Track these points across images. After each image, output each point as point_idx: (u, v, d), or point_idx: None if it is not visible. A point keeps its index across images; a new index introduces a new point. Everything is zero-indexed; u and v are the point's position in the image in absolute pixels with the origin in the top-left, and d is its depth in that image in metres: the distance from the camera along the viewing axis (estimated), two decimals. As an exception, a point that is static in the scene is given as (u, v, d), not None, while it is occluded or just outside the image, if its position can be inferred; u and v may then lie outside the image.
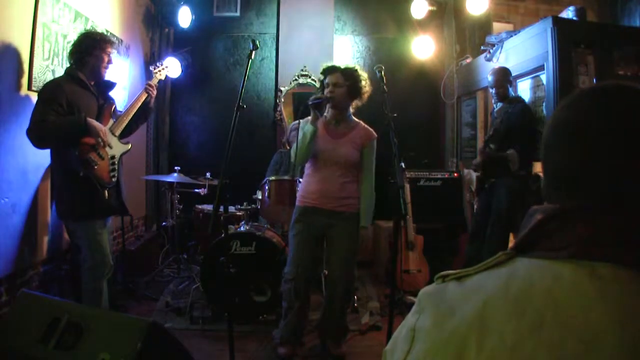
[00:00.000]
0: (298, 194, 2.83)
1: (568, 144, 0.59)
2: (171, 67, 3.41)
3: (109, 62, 2.73)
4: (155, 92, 3.03)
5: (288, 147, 4.02)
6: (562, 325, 0.47)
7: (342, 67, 2.72)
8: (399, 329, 0.63)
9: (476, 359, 0.49)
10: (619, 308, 0.46)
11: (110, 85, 2.90)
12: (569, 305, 0.48)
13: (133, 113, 2.88)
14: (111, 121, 2.77)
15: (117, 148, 2.75)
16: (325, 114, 2.80)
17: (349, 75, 2.69)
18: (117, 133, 2.77)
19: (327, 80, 2.71)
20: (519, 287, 0.52)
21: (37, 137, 2.48)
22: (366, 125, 2.81)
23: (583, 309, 0.47)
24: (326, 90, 2.69)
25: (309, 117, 2.79)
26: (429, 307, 0.58)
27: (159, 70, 3.21)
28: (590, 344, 0.45)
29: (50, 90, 2.54)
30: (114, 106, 2.84)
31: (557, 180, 0.60)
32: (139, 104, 2.92)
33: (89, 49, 2.64)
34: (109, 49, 2.71)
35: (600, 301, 0.47)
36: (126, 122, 2.83)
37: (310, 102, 2.62)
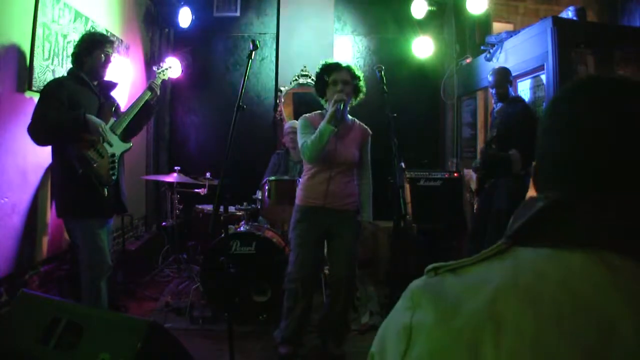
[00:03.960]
0: (298, 194, 2.81)
1: (571, 130, 0.57)
2: (172, 68, 3.40)
3: (108, 62, 2.74)
4: (158, 91, 3.03)
5: (285, 147, 4.02)
6: (581, 315, 0.46)
7: (345, 64, 2.72)
8: (383, 328, 0.58)
9: (495, 355, 0.47)
10: (633, 297, 0.46)
11: (112, 85, 2.91)
12: (585, 295, 0.47)
13: (135, 112, 2.87)
14: (112, 120, 2.77)
15: (117, 146, 2.75)
16: (324, 112, 2.78)
17: (354, 73, 2.71)
18: (118, 132, 2.77)
19: (334, 77, 2.67)
20: (530, 278, 0.50)
21: (38, 133, 2.50)
22: (360, 122, 2.84)
23: (599, 299, 0.47)
24: (335, 88, 2.64)
25: (307, 115, 2.80)
26: (427, 303, 0.54)
27: (162, 71, 3.20)
28: (610, 334, 0.45)
29: (51, 88, 2.56)
30: (115, 105, 2.85)
31: (557, 168, 0.58)
32: (142, 102, 2.91)
33: (88, 50, 2.66)
34: (108, 50, 2.71)
35: (614, 290, 0.47)
36: (127, 120, 2.83)
37: (341, 107, 2.56)
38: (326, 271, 3.40)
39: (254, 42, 2.39)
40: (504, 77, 3.50)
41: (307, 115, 2.82)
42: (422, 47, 4.94)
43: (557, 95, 0.62)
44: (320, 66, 2.76)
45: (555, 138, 0.60)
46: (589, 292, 0.47)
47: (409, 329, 0.53)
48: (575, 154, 0.56)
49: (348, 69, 2.70)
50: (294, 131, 3.65)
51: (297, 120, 3.46)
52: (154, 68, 3.26)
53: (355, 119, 2.84)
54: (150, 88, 2.98)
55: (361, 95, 2.77)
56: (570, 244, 0.51)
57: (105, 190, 2.64)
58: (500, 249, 0.55)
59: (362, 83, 2.74)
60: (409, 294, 0.57)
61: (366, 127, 2.83)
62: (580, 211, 0.52)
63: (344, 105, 2.59)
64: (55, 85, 2.57)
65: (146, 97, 2.94)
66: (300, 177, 3.19)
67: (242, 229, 3.42)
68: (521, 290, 0.49)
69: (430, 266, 0.58)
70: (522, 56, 3.69)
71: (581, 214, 0.52)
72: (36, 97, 2.68)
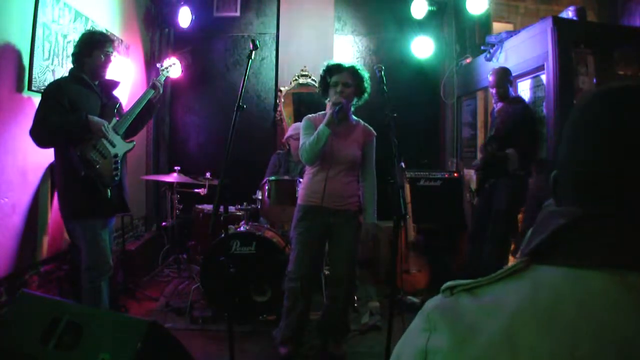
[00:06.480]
0: (300, 193, 2.82)
1: (598, 146, 0.53)
2: (176, 65, 3.39)
3: (108, 61, 2.73)
4: (161, 89, 3.02)
5: (287, 147, 4.02)
6: (599, 340, 0.44)
7: (348, 65, 2.70)
8: (398, 349, 0.57)
9: None
10: None
11: (114, 84, 2.90)
12: (604, 318, 0.45)
13: (138, 111, 2.86)
14: (114, 120, 2.77)
15: (120, 146, 2.75)
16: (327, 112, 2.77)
17: (356, 74, 2.69)
18: (121, 131, 2.76)
19: (335, 79, 2.67)
20: (548, 300, 0.48)
21: (40, 136, 2.50)
22: (365, 124, 2.83)
23: (619, 322, 0.45)
24: (335, 90, 2.65)
25: (311, 115, 2.80)
26: (443, 326, 0.52)
27: (166, 68, 3.20)
28: (631, 358, 0.43)
29: (51, 91, 2.56)
30: (118, 105, 2.84)
31: (579, 179, 0.55)
32: (144, 101, 2.90)
33: (87, 50, 2.65)
34: (107, 49, 2.70)
35: (636, 313, 0.45)
36: (130, 120, 2.82)
37: (337, 109, 2.58)
38: (326, 271, 3.40)
39: (254, 42, 2.39)
40: (504, 77, 3.50)
41: (310, 115, 2.82)
42: (422, 47, 4.94)
43: (584, 102, 0.58)
44: (323, 67, 2.76)
45: (579, 147, 0.56)
46: (609, 316, 0.45)
47: (425, 352, 0.52)
48: (600, 165, 0.53)
49: (350, 70, 2.68)
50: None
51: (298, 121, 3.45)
52: (157, 65, 3.25)
53: (360, 120, 2.83)
54: (153, 86, 2.97)
55: (365, 96, 2.76)
56: (591, 263, 0.48)
57: (108, 191, 2.63)
58: (518, 267, 0.52)
59: (366, 84, 2.72)
60: (425, 314, 0.56)
61: (371, 128, 2.81)
62: (602, 229, 0.50)
63: (340, 108, 2.59)
64: (55, 88, 2.57)
65: (149, 96, 2.93)
66: (300, 177, 3.19)
67: (242, 229, 3.42)
68: (538, 314, 0.48)
69: (446, 285, 0.56)
70: (522, 56, 3.69)
71: (603, 232, 0.50)
72: (36, 97, 2.68)
